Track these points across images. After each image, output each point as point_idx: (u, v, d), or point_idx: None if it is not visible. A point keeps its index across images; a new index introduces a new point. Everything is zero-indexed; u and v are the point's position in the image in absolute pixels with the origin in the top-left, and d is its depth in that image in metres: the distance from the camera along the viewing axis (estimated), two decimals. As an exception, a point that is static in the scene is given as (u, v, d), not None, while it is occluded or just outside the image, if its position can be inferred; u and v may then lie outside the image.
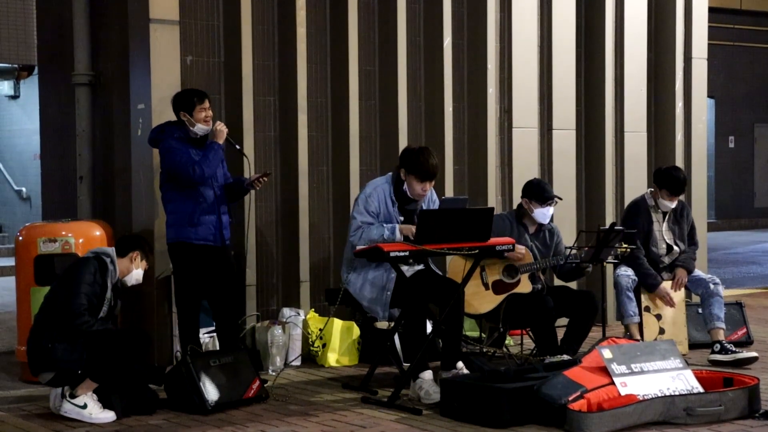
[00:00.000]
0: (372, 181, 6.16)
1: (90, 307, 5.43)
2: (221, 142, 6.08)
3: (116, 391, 5.47)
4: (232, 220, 6.25)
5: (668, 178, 6.92)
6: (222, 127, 6.10)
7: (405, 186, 5.94)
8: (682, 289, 6.99)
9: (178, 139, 6.00)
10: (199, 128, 6.04)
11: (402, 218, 5.94)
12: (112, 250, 5.68)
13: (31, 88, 14.65)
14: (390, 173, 6.11)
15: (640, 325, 6.85)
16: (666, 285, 6.91)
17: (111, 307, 5.60)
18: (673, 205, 6.96)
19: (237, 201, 6.47)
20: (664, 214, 7.02)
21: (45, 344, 5.40)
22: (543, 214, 6.49)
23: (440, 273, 6.25)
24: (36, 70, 11.89)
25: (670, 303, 6.89)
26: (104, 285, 5.52)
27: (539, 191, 6.48)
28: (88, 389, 5.42)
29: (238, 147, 6.25)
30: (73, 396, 5.41)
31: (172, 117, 6.16)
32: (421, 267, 6.08)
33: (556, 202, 6.54)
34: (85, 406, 5.38)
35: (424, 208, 6.03)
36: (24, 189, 15.90)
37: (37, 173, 8.89)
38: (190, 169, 5.91)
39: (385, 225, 5.81)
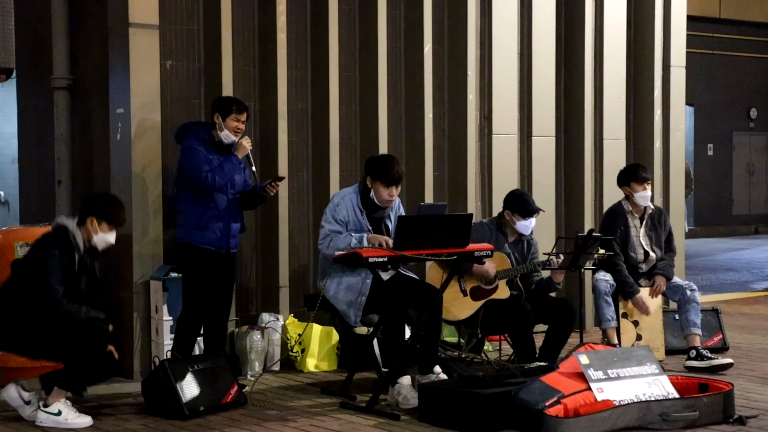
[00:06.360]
0: (339, 192, 6.22)
1: (67, 291, 5.35)
2: (241, 157, 6.07)
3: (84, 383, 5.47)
4: (243, 229, 6.26)
5: (629, 171, 7.09)
6: (246, 143, 6.09)
7: (372, 194, 5.97)
8: (660, 296, 7.03)
9: (201, 140, 6.01)
10: (226, 135, 6.03)
11: (370, 227, 5.97)
12: (72, 223, 5.49)
13: (9, 91, 14.52)
14: (356, 184, 6.14)
15: (618, 330, 6.88)
16: (644, 292, 6.94)
17: (85, 281, 5.51)
18: (649, 194, 7.02)
19: (252, 209, 6.51)
20: (641, 219, 7.07)
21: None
22: (525, 226, 6.52)
23: (416, 277, 6.27)
24: (14, 74, 11.83)
25: (645, 311, 6.93)
26: (71, 262, 5.42)
27: (522, 205, 6.49)
28: (59, 397, 5.40)
29: (253, 169, 6.21)
30: (46, 405, 5.39)
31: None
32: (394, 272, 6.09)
33: (539, 214, 6.57)
34: (59, 413, 5.36)
35: (391, 217, 6.07)
36: (2, 193, 15.80)
37: (15, 177, 8.82)
38: (203, 176, 5.91)
39: (353, 234, 5.83)
